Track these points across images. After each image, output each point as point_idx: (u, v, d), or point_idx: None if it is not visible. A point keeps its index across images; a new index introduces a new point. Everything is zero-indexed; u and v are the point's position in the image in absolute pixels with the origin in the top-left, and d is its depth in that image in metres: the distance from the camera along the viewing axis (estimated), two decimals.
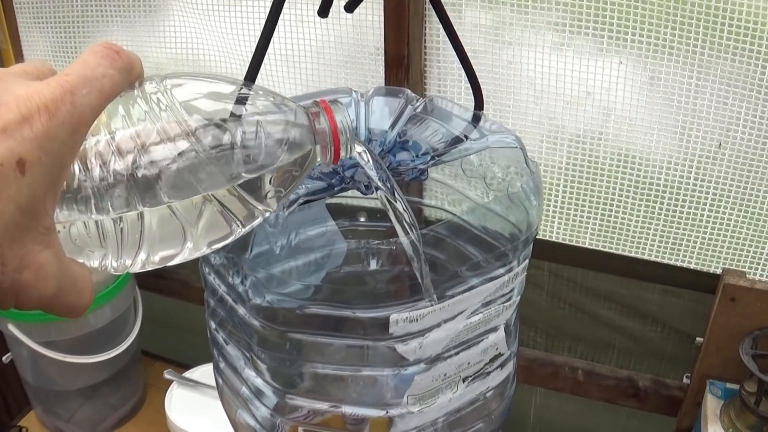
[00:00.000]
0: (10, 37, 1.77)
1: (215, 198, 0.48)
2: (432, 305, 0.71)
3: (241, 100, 0.51)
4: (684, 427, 1.43)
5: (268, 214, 0.53)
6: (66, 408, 1.93)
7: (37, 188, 0.37)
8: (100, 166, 0.43)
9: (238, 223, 0.51)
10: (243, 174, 0.49)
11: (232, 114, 0.49)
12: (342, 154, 0.57)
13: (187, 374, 1.75)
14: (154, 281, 1.92)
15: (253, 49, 1.42)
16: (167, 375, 1.73)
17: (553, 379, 1.56)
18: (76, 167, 0.42)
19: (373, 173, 0.63)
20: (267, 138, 0.51)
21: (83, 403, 1.93)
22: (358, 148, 0.62)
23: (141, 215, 0.45)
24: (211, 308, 0.86)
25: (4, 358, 1.86)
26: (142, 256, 0.47)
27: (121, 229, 0.45)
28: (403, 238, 0.65)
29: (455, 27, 1.28)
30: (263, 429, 0.83)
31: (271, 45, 1.43)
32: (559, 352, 1.60)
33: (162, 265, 0.50)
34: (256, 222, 0.53)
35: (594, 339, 1.55)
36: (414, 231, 0.65)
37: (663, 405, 1.48)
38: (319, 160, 0.57)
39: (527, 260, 0.82)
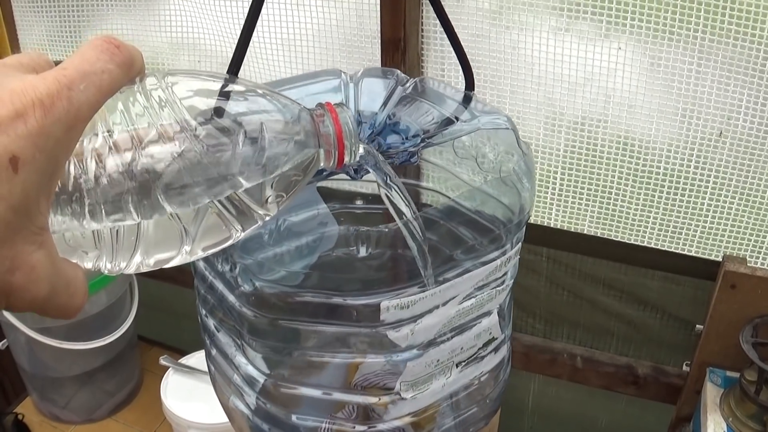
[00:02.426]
0: (5, 23, 1.76)
1: (214, 202, 0.46)
2: (423, 291, 0.70)
3: (245, 101, 0.49)
4: (683, 415, 1.42)
5: (268, 219, 0.51)
6: (62, 394, 1.93)
7: (30, 187, 0.35)
8: (97, 165, 0.41)
9: (237, 227, 0.49)
10: (244, 179, 0.47)
11: (235, 115, 0.47)
12: (346, 158, 0.55)
13: (183, 360, 1.74)
14: None
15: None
16: (163, 361, 1.73)
17: (551, 365, 1.55)
18: (72, 166, 0.41)
19: (375, 172, 0.62)
20: (270, 141, 0.48)
21: (79, 390, 1.92)
22: (362, 151, 0.60)
23: None
24: (201, 295, 0.84)
25: (0, 345, 1.86)
26: (138, 258, 0.46)
27: (117, 231, 0.43)
28: (401, 224, 0.63)
29: (456, 10, 1.27)
30: (255, 416, 0.82)
31: (269, 29, 1.43)
32: (557, 338, 1.59)
33: (157, 268, 0.48)
34: (255, 226, 0.51)
35: (593, 326, 1.55)
36: (413, 216, 0.63)
37: (662, 393, 1.47)
38: (322, 164, 0.55)
39: (520, 244, 0.81)
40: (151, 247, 0.46)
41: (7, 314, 1.69)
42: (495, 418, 0.90)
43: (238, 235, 0.50)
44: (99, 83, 0.39)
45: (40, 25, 1.73)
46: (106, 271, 0.46)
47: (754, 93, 1.15)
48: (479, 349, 0.81)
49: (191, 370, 1.70)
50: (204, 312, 0.85)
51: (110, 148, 0.42)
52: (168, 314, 2.11)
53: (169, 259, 0.48)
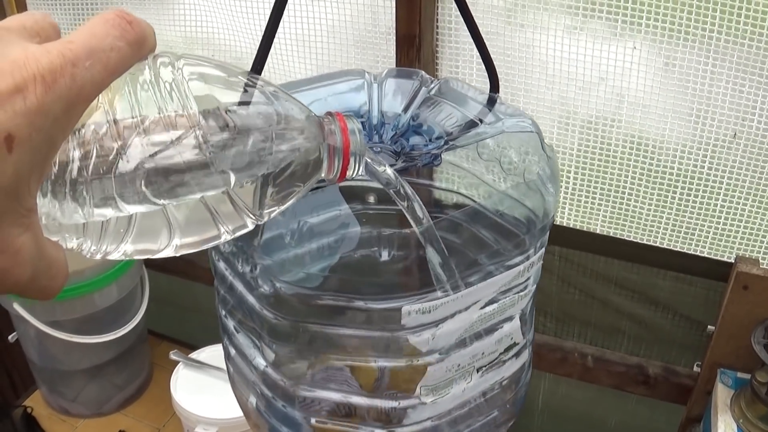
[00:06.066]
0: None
1: (207, 199, 0.45)
2: (445, 296, 0.69)
3: (253, 99, 0.48)
4: (693, 415, 1.42)
5: (259, 224, 0.50)
6: (71, 388, 1.92)
7: (23, 168, 0.33)
8: (93, 148, 0.40)
9: (228, 227, 0.48)
10: (241, 178, 0.45)
11: (241, 112, 0.46)
12: (348, 173, 0.54)
13: (194, 355, 1.74)
14: (160, 260, 1.91)
15: (264, 28, 1.40)
16: (173, 356, 1.73)
17: (562, 364, 1.55)
18: (69, 147, 0.39)
19: (381, 177, 0.61)
20: (273, 144, 0.47)
21: (88, 383, 1.92)
22: (390, 172, 0.59)
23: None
24: (221, 296, 0.84)
25: (10, 338, 1.86)
26: (122, 247, 0.44)
27: (108, 219, 0.42)
28: (416, 230, 0.63)
29: (469, 8, 1.27)
30: (273, 418, 0.82)
31: (283, 25, 1.42)
32: (568, 337, 1.59)
33: (139, 257, 0.47)
34: (245, 230, 0.49)
35: (604, 325, 1.54)
36: (427, 224, 0.63)
37: (673, 393, 1.47)
38: (323, 175, 0.53)
39: (543, 249, 0.80)
40: (137, 237, 0.44)
41: (17, 307, 1.68)
42: None
43: (227, 237, 0.48)
44: (106, 61, 0.37)
45: (53, 17, 1.73)
46: (88, 255, 0.45)
47: None
48: (500, 354, 0.81)
49: (201, 364, 1.70)
50: (224, 313, 0.85)
51: (109, 132, 0.40)
52: (178, 309, 2.11)
53: (153, 251, 0.47)
